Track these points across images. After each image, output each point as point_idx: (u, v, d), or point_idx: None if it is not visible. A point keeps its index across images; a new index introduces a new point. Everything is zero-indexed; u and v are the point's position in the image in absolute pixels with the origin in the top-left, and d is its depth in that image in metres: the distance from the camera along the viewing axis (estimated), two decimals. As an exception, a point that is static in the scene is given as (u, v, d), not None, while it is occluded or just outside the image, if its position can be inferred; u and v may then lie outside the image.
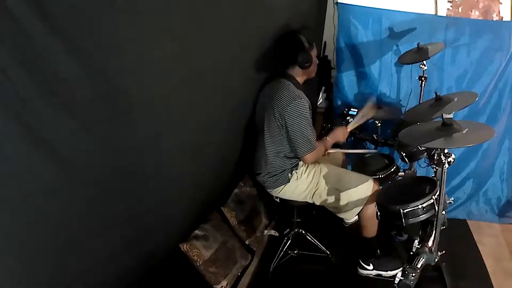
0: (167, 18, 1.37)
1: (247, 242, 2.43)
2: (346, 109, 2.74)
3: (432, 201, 1.83)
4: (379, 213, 1.97)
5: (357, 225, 2.35)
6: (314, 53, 2.15)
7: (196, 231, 2.07)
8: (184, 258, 1.98)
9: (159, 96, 1.44)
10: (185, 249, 1.97)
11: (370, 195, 2.12)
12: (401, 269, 2.04)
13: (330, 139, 2.23)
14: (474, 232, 2.63)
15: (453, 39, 2.66)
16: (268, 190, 2.27)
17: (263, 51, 2.14)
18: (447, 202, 2.17)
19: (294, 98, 2.01)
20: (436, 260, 1.94)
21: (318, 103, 3.37)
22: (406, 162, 2.45)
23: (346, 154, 2.62)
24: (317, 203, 2.22)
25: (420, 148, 2.30)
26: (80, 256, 1.31)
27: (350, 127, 2.37)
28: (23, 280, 1.13)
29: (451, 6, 2.65)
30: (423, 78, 2.57)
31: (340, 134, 2.29)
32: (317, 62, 2.21)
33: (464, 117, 2.64)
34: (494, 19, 2.64)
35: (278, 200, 2.30)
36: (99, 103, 1.19)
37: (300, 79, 2.16)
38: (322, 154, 2.19)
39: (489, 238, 2.58)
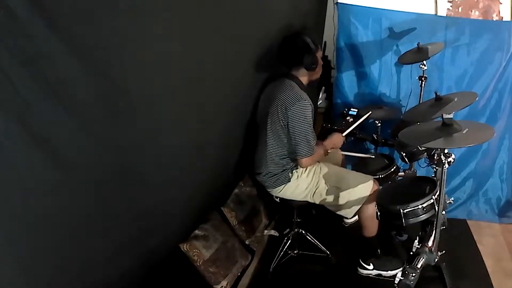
0: (168, 18, 1.37)
1: (247, 242, 2.43)
2: (346, 109, 2.74)
3: (432, 201, 1.84)
4: (379, 213, 1.97)
5: (357, 225, 2.35)
6: (319, 54, 2.14)
7: (196, 231, 2.07)
8: (184, 258, 1.98)
9: (159, 96, 1.44)
10: (185, 249, 1.97)
11: (370, 195, 2.12)
12: (401, 269, 2.05)
13: (327, 145, 2.24)
14: (474, 232, 2.63)
15: (453, 39, 2.67)
16: (269, 190, 2.27)
17: (264, 51, 2.14)
18: (447, 202, 2.17)
19: (298, 99, 2.01)
20: (436, 260, 1.94)
21: (318, 103, 3.38)
22: (406, 162, 2.45)
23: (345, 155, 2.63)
24: (317, 202, 2.23)
25: (420, 148, 2.30)
26: (80, 256, 1.31)
27: (345, 133, 2.39)
28: (23, 280, 1.13)
29: (451, 6, 2.65)
30: (423, 78, 2.57)
31: (336, 141, 2.31)
32: (322, 63, 2.20)
33: (464, 117, 2.64)
34: (494, 19, 2.64)
35: (278, 200, 2.31)
36: (100, 103, 1.19)
37: (305, 80, 2.16)
38: (318, 160, 2.20)
39: (489, 238, 2.58)
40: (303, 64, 2.06)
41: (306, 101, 2.02)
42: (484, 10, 2.63)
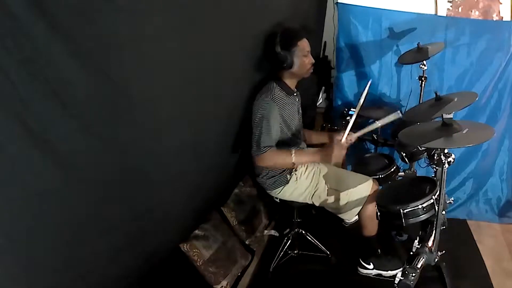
0: (167, 17, 1.37)
1: (247, 242, 2.43)
2: (346, 109, 2.74)
3: (432, 201, 1.84)
4: (379, 213, 1.97)
5: (357, 225, 2.35)
6: (301, 52, 2.04)
7: (196, 231, 2.07)
8: (184, 258, 1.98)
9: (159, 96, 1.45)
10: (185, 249, 1.97)
11: (370, 195, 2.12)
12: (401, 269, 2.04)
13: (307, 158, 2.04)
14: (474, 232, 2.63)
15: (453, 39, 2.67)
16: (268, 191, 2.27)
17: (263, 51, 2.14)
18: (447, 202, 2.17)
19: (262, 94, 2.00)
20: (436, 260, 1.94)
21: (318, 103, 3.38)
22: (406, 162, 2.45)
23: (346, 154, 2.61)
24: (317, 204, 2.22)
25: (420, 148, 2.30)
26: (81, 256, 1.31)
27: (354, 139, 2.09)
28: (23, 281, 1.13)
29: (451, 6, 2.65)
30: (423, 78, 2.57)
31: (338, 155, 1.98)
32: (311, 62, 2.10)
33: (464, 117, 2.64)
34: (494, 19, 2.64)
35: (278, 200, 2.30)
36: (99, 103, 1.19)
37: (289, 81, 2.13)
38: (284, 165, 2.05)
39: (489, 238, 2.58)
40: (274, 65, 2.06)
41: (269, 99, 1.98)
42: (484, 10, 2.63)
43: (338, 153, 1.99)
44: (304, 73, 2.13)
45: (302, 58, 2.07)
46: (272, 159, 1.98)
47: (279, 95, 2.05)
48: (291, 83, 2.15)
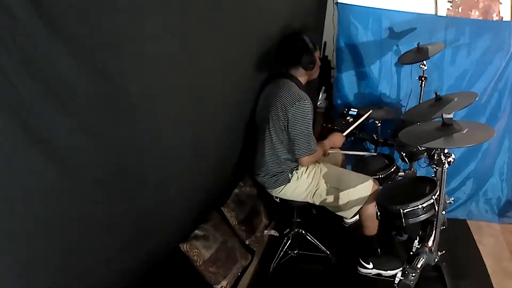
0: (167, 18, 1.37)
1: (247, 242, 2.43)
2: (346, 109, 2.74)
3: (432, 201, 1.84)
4: (379, 213, 1.97)
5: (357, 225, 2.35)
6: (317, 55, 2.15)
7: (196, 231, 2.07)
8: (184, 258, 1.98)
9: (159, 96, 1.44)
10: (185, 249, 1.97)
11: (370, 195, 2.12)
12: (401, 269, 2.05)
13: (327, 144, 2.27)
14: (474, 232, 2.63)
15: (453, 39, 2.67)
16: (269, 190, 2.27)
17: (264, 51, 2.13)
18: (447, 202, 2.17)
19: (298, 99, 2.01)
20: (436, 260, 1.94)
21: (318, 103, 3.38)
22: (406, 162, 2.46)
23: (345, 154, 2.63)
24: (317, 203, 2.23)
25: (420, 148, 2.30)
26: (80, 256, 1.31)
27: (346, 133, 2.42)
28: (23, 281, 1.13)
29: (451, 6, 2.65)
30: (423, 78, 2.57)
31: (336, 140, 2.34)
32: (320, 64, 2.21)
33: (464, 117, 2.64)
34: (494, 19, 2.64)
35: (278, 200, 2.31)
36: (99, 103, 1.19)
37: (303, 79, 2.16)
38: (319, 157, 2.22)
39: (489, 238, 2.59)
40: (301, 64, 2.07)
41: (306, 101, 2.02)
42: (484, 10, 2.63)
43: (336, 138, 2.35)
44: (317, 73, 2.23)
45: (318, 60, 2.17)
46: (316, 155, 2.15)
47: (303, 92, 2.09)
48: (303, 81, 2.18)
